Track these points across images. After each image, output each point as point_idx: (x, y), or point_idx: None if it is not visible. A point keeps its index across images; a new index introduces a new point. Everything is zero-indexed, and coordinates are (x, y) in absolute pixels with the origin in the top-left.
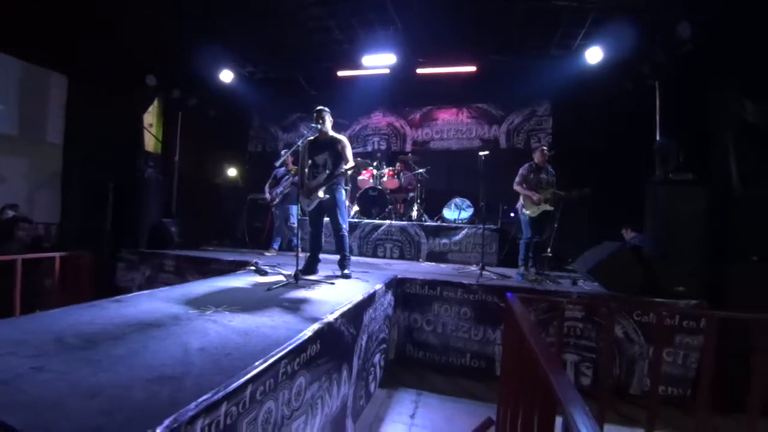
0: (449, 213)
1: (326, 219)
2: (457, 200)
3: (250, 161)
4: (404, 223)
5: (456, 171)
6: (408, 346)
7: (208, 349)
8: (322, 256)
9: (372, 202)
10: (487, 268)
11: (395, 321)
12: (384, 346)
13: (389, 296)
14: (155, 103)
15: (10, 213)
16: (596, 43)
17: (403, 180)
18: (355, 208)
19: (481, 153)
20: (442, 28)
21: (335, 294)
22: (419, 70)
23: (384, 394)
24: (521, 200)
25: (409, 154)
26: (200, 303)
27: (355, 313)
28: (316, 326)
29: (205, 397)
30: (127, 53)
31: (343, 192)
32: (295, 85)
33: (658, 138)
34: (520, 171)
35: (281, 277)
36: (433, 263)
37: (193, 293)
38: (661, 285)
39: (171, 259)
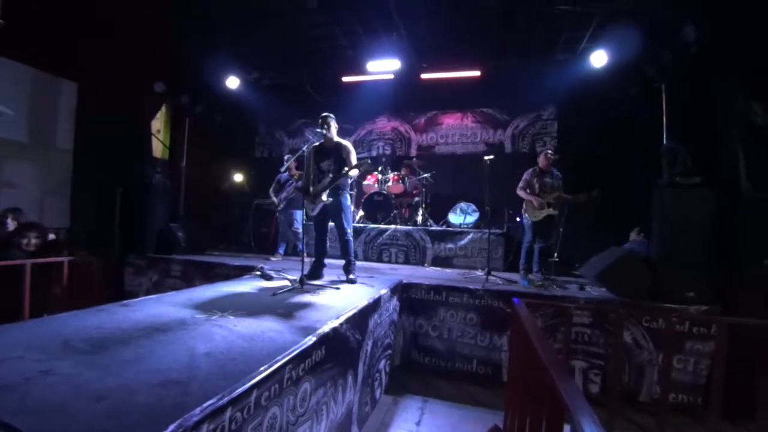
0: (454, 218)
1: (331, 224)
2: (463, 205)
3: (257, 167)
4: (409, 227)
5: (461, 175)
6: (413, 352)
7: (214, 354)
8: (327, 260)
9: (377, 206)
10: (493, 273)
11: (401, 326)
12: (389, 351)
13: (394, 301)
14: (163, 109)
15: (11, 224)
16: (601, 46)
17: (408, 185)
18: (360, 212)
19: (486, 157)
20: (446, 33)
21: (340, 299)
22: (424, 75)
23: (390, 401)
24: (524, 205)
25: (414, 159)
26: (206, 308)
27: (361, 319)
28: (321, 331)
29: (210, 402)
30: (136, 61)
31: (348, 197)
32: (301, 91)
33: (665, 141)
34: (524, 176)
35: (287, 282)
36: (438, 268)
37: (199, 298)
38: (670, 290)
39: (178, 263)
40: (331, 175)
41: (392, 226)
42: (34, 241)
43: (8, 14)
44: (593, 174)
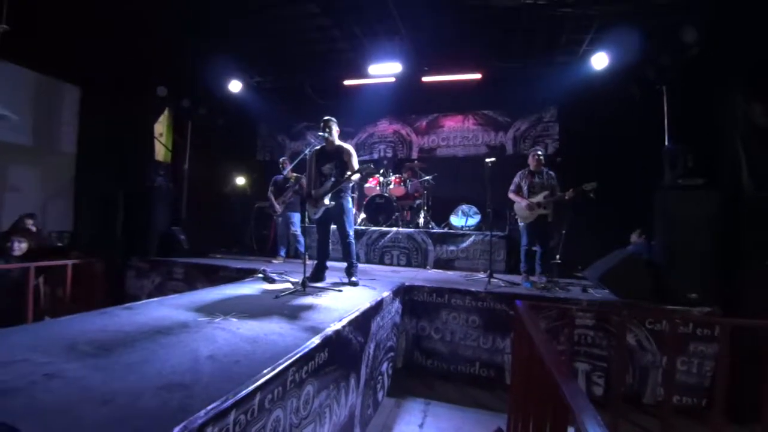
0: (456, 220)
1: (333, 227)
2: (464, 207)
3: (258, 170)
4: (411, 230)
5: (463, 178)
6: (416, 355)
7: (217, 357)
8: (329, 263)
9: (379, 209)
10: (495, 275)
11: (403, 329)
12: (392, 354)
13: (397, 304)
14: (165, 113)
15: (33, 228)
16: (602, 48)
17: (409, 187)
18: (362, 215)
19: (487, 159)
20: (447, 36)
21: (343, 301)
22: (425, 78)
23: (392, 403)
24: (514, 208)
25: (416, 162)
26: (209, 310)
27: (363, 321)
28: (323, 334)
29: (214, 404)
30: (138, 64)
31: (350, 200)
32: (303, 94)
33: (666, 143)
34: (514, 178)
35: (289, 285)
36: (440, 270)
37: (201, 301)
38: (673, 292)
39: (180, 266)
40: (333, 179)
41: (394, 229)
42: (23, 245)
43: (12, 19)
44: (594, 176)
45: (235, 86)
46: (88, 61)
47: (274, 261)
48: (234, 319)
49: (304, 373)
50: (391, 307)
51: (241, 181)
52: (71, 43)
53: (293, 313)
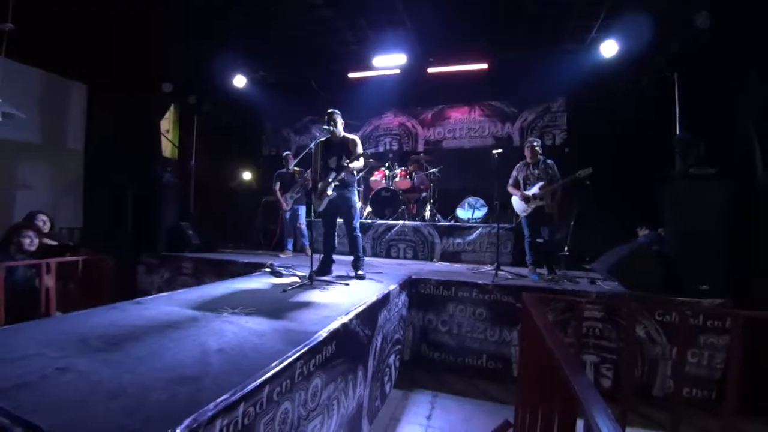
0: (463, 212)
1: (339, 220)
2: (471, 199)
3: (264, 164)
4: (417, 223)
5: (469, 170)
6: (423, 347)
7: (226, 350)
8: (335, 257)
9: (385, 202)
10: (502, 267)
11: (410, 322)
12: (399, 347)
13: (403, 297)
14: (171, 109)
15: (46, 226)
16: (611, 36)
17: (415, 180)
18: (368, 208)
19: (494, 151)
20: (452, 26)
21: (349, 295)
22: (430, 70)
23: (400, 396)
24: (513, 200)
25: (422, 154)
26: (217, 305)
27: (370, 314)
28: (331, 327)
29: (223, 397)
30: (144, 61)
31: (356, 193)
32: (307, 87)
33: (677, 131)
34: (512, 172)
35: (296, 279)
36: (447, 263)
37: (210, 295)
38: (683, 283)
39: (189, 261)
40: (335, 172)
41: (400, 222)
42: (36, 240)
43: (18, 18)
44: (604, 166)
45: (239, 81)
46: (95, 59)
47: (282, 255)
48: (242, 313)
49: (311, 366)
50: (398, 300)
51: (247, 176)
52: (77, 41)
53: (300, 307)
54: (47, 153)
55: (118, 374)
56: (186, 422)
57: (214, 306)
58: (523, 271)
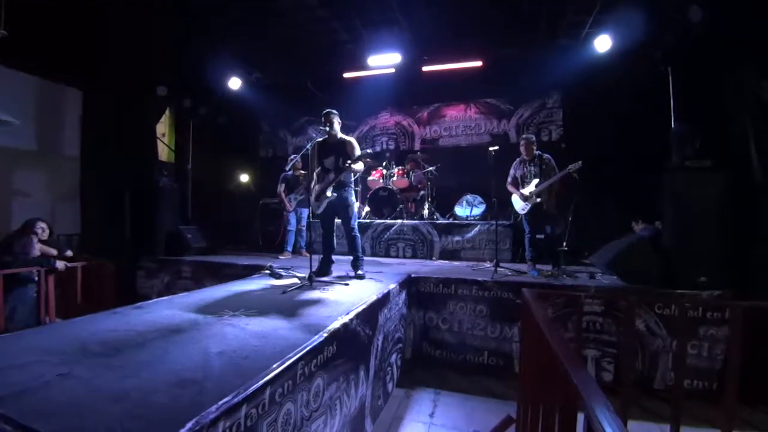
0: (461, 210)
1: (337, 221)
2: (469, 197)
3: (261, 166)
4: (416, 221)
5: (466, 167)
6: (424, 345)
7: (227, 353)
8: (335, 257)
9: (383, 202)
10: (501, 264)
11: (410, 320)
12: (400, 345)
13: (404, 295)
14: (167, 113)
15: (44, 233)
16: (605, 30)
17: (413, 179)
18: (366, 208)
19: (491, 148)
20: (447, 24)
21: (349, 295)
22: (425, 68)
23: (402, 394)
24: (511, 199)
25: (418, 153)
26: (218, 308)
27: (370, 314)
28: (331, 327)
29: (225, 399)
30: (138, 66)
31: (353, 193)
32: (303, 88)
33: (673, 124)
34: (510, 169)
35: (296, 280)
36: (446, 261)
37: (210, 298)
38: (682, 276)
39: (188, 265)
40: (334, 172)
41: (399, 221)
42: (47, 231)
43: (11, 25)
44: (600, 160)
45: (234, 83)
46: (88, 64)
47: (281, 256)
48: (243, 316)
49: (313, 367)
50: (398, 299)
51: (244, 178)
52: (71, 47)
53: (301, 308)
54: (43, 160)
55: (120, 379)
56: (188, 425)
57: (214, 309)
58: (523, 267)
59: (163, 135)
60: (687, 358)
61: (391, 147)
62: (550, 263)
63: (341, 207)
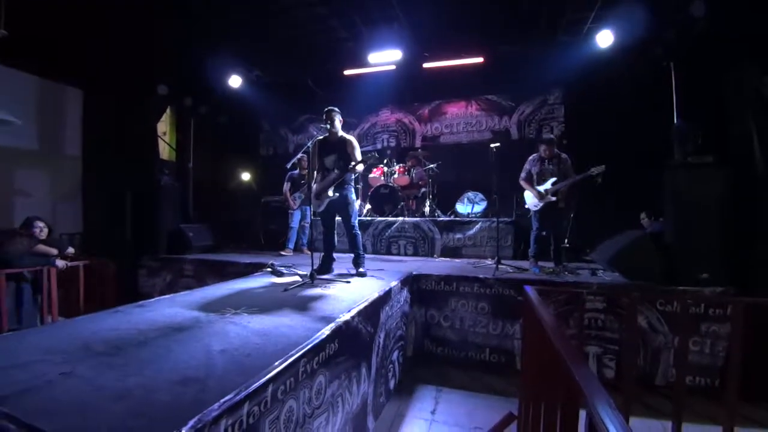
0: (462, 207)
1: (338, 218)
2: (470, 194)
3: (262, 164)
4: (417, 219)
5: (467, 164)
6: (426, 343)
7: (229, 351)
8: (336, 255)
9: (384, 199)
10: (503, 261)
11: (412, 318)
12: (402, 343)
13: (405, 293)
14: (168, 111)
15: (43, 232)
16: (606, 26)
17: (414, 176)
18: (368, 206)
19: (492, 145)
20: (447, 20)
21: (351, 292)
22: (426, 65)
23: (404, 391)
24: (524, 194)
25: (419, 150)
26: (219, 306)
27: (372, 311)
28: (333, 325)
29: (227, 397)
30: (139, 65)
31: (353, 191)
32: (303, 86)
33: (675, 120)
34: (525, 164)
35: (297, 278)
36: (447, 258)
37: (212, 296)
38: (684, 272)
39: (190, 263)
40: (336, 171)
41: (400, 219)
42: (45, 229)
43: (11, 25)
44: (602, 157)
45: (235, 82)
46: (89, 64)
47: (283, 253)
48: (244, 314)
49: (315, 364)
50: (399, 297)
51: (246, 176)
52: (71, 47)
53: (302, 306)
54: (45, 159)
55: (122, 377)
56: (191, 423)
57: (216, 307)
58: (524, 264)
59: (164, 134)
60: (689, 354)
61: (392, 144)
62: (552, 260)
63: (342, 205)
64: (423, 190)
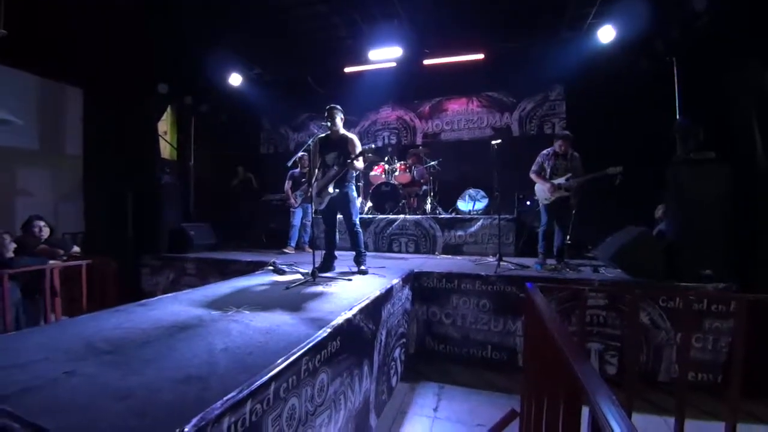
0: (463, 204)
1: (339, 216)
2: (471, 191)
3: (263, 163)
4: (418, 216)
5: (468, 161)
6: (428, 340)
7: (232, 349)
8: (337, 252)
9: (385, 197)
10: (504, 258)
11: (414, 315)
12: (404, 340)
13: (407, 290)
14: (168, 110)
15: (44, 230)
16: (608, 21)
17: (415, 173)
18: (369, 203)
19: (493, 142)
20: (448, 16)
21: (353, 290)
22: (426, 62)
23: (406, 388)
24: (535, 188)
25: (420, 147)
26: (222, 304)
27: (374, 309)
28: (335, 323)
29: (230, 395)
30: (139, 63)
31: (354, 188)
32: (303, 84)
33: (677, 117)
34: (537, 158)
35: (299, 276)
36: (449, 256)
37: (214, 295)
38: (686, 269)
39: (192, 262)
40: (336, 168)
41: (401, 216)
42: (45, 229)
43: (11, 25)
44: (604, 153)
45: (235, 80)
46: (89, 63)
47: (285, 250)
48: (246, 312)
49: (317, 362)
50: (401, 294)
51: (246, 174)
52: (71, 46)
53: (304, 304)
54: (46, 159)
55: (125, 376)
56: (194, 421)
57: (218, 305)
58: (526, 261)
59: (165, 133)
60: (691, 351)
61: (393, 142)
62: (554, 257)
63: (343, 203)
64: (424, 187)
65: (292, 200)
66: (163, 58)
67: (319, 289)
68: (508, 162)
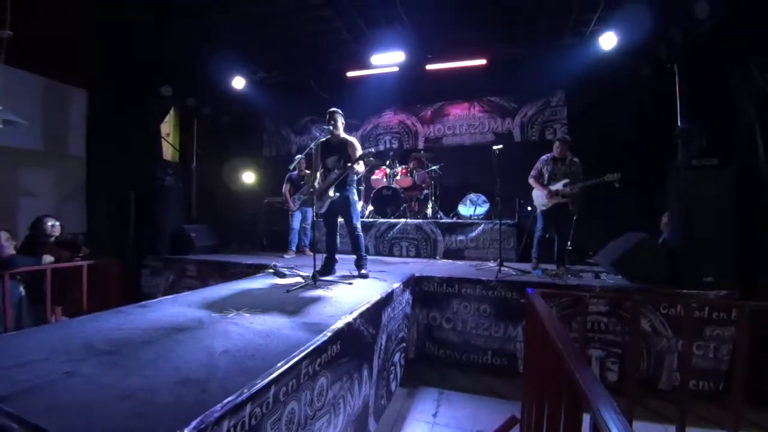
0: (465, 209)
1: (340, 220)
2: (472, 196)
3: (265, 165)
4: (419, 221)
5: (470, 166)
6: (428, 345)
7: (231, 352)
8: (338, 256)
9: (386, 201)
10: (505, 263)
11: (414, 320)
12: (404, 345)
13: (407, 295)
14: (171, 112)
15: (55, 229)
16: (610, 28)
17: (416, 178)
18: (370, 207)
19: (495, 147)
20: (450, 21)
21: (353, 294)
22: (429, 66)
23: (405, 393)
24: (532, 193)
25: (422, 152)
26: (222, 306)
27: (374, 313)
28: (335, 327)
29: (230, 398)
30: (143, 65)
31: (355, 192)
32: (306, 88)
33: (679, 123)
34: (536, 163)
35: (299, 279)
36: (450, 260)
37: (214, 297)
38: (688, 275)
39: (193, 264)
40: (336, 171)
41: (402, 220)
42: (57, 226)
43: (17, 26)
44: (606, 159)
45: (238, 83)
46: (93, 64)
47: (286, 255)
48: (247, 314)
49: (317, 366)
50: (401, 299)
51: (249, 177)
52: (76, 47)
53: (304, 307)
54: (49, 159)
55: (125, 377)
56: (193, 423)
57: (219, 307)
58: (527, 266)
59: (168, 134)
60: (693, 358)
61: (395, 146)
62: (555, 262)
63: (344, 206)
64: (425, 191)
65: (291, 203)
66: (167, 61)
67: (319, 292)
68: (510, 167)
